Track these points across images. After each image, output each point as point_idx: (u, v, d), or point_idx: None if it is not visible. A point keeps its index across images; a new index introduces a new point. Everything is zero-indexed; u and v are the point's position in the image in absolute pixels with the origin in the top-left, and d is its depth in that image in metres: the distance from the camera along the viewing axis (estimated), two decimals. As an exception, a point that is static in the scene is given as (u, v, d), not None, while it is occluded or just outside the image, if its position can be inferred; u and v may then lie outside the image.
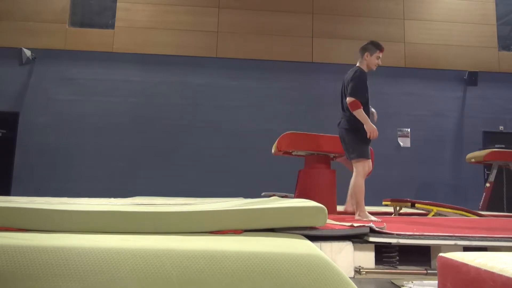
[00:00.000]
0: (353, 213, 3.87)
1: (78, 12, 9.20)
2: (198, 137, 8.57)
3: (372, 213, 3.79)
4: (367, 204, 3.72)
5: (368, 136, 3.65)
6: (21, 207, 2.00)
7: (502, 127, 9.18)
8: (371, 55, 3.84)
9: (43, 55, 8.57)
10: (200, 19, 9.02)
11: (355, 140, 3.75)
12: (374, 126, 3.66)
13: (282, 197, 4.90)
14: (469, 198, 7.95)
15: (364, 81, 3.75)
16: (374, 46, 3.84)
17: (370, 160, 3.75)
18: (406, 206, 5.28)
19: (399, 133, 8.83)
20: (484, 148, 7.80)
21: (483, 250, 2.32)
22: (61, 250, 1.38)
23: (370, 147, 4.42)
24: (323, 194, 4.10)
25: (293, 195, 4.88)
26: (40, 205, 2.24)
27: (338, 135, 4.20)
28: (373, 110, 3.96)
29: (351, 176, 4.12)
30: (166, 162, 8.44)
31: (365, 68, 3.85)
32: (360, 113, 3.65)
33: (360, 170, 3.71)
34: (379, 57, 3.85)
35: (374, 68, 3.89)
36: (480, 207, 6.86)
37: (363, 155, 3.72)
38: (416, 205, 5.09)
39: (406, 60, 9.08)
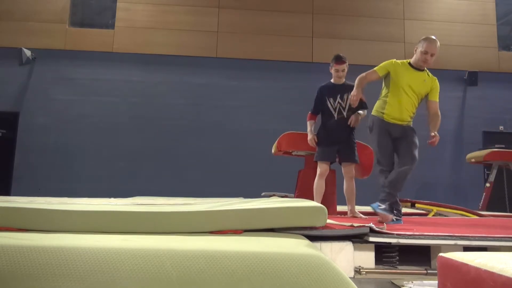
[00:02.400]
0: (355, 216, 3.90)
1: (78, 12, 9.20)
2: (198, 137, 8.57)
3: (372, 213, 3.80)
4: (367, 204, 3.72)
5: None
6: (21, 207, 2.00)
7: (502, 127, 9.17)
8: (330, 68, 4.03)
9: (43, 55, 8.57)
10: (200, 19, 9.02)
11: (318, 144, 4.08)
12: (312, 137, 4.03)
13: (282, 197, 4.90)
14: (469, 198, 7.95)
15: (317, 96, 4.08)
16: (333, 58, 4.00)
17: (324, 163, 3.98)
18: (406, 206, 5.28)
19: (399, 133, 8.81)
20: (484, 148, 7.80)
21: (483, 250, 2.32)
22: (61, 250, 1.38)
23: (368, 147, 4.43)
24: (323, 194, 4.09)
25: (293, 195, 4.88)
26: (40, 205, 2.24)
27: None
28: (360, 112, 4.01)
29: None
30: (166, 162, 8.44)
31: (333, 79, 4.05)
32: (307, 124, 4.14)
33: (317, 171, 3.98)
34: (338, 70, 3.96)
35: (338, 80, 4.02)
36: (480, 207, 6.86)
37: (317, 157, 4.02)
38: (416, 205, 5.09)
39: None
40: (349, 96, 3.77)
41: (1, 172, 8.36)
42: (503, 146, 8.40)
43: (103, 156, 8.36)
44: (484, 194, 7.03)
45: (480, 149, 7.70)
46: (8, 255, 1.35)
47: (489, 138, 9.02)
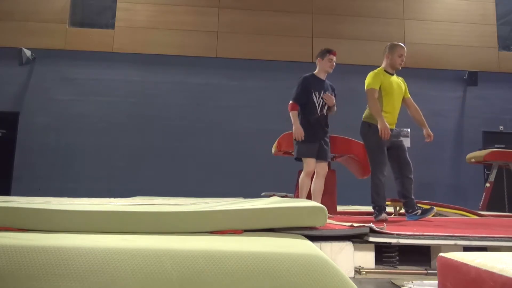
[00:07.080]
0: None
1: (78, 12, 9.20)
2: (198, 137, 8.57)
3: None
4: (367, 204, 3.72)
5: (294, 138, 3.88)
6: (21, 207, 2.00)
7: (502, 127, 9.17)
8: (322, 59, 4.03)
9: (43, 55, 8.57)
10: (200, 19, 9.02)
11: (294, 141, 3.95)
12: (300, 128, 3.83)
13: (282, 197, 4.89)
14: (469, 198, 7.95)
15: (303, 85, 3.98)
16: (325, 50, 4.04)
17: (311, 160, 3.87)
18: (406, 206, 5.27)
19: (399, 133, 8.82)
20: (484, 148, 7.79)
21: (483, 250, 2.32)
22: (61, 250, 1.38)
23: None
24: (323, 194, 4.09)
25: (293, 195, 4.88)
26: (40, 205, 2.23)
27: (337, 135, 4.26)
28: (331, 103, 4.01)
29: (351, 176, 4.14)
30: (166, 162, 8.44)
31: (319, 73, 4.04)
32: (292, 115, 3.92)
33: (305, 169, 3.89)
34: (332, 59, 4.00)
35: (330, 70, 4.04)
36: (480, 207, 6.85)
37: (304, 154, 3.88)
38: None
39: (406, 60, 8.99)
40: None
41: (1, 172, 8.36)
42: (503, 146, 8.40)
43: (103, 156, 8.36)
44: (484, 194, 7.03)
45: (480, 149, 7.70)
46: (8, 255, 1.35)
47: (489, 138, 9.02)
